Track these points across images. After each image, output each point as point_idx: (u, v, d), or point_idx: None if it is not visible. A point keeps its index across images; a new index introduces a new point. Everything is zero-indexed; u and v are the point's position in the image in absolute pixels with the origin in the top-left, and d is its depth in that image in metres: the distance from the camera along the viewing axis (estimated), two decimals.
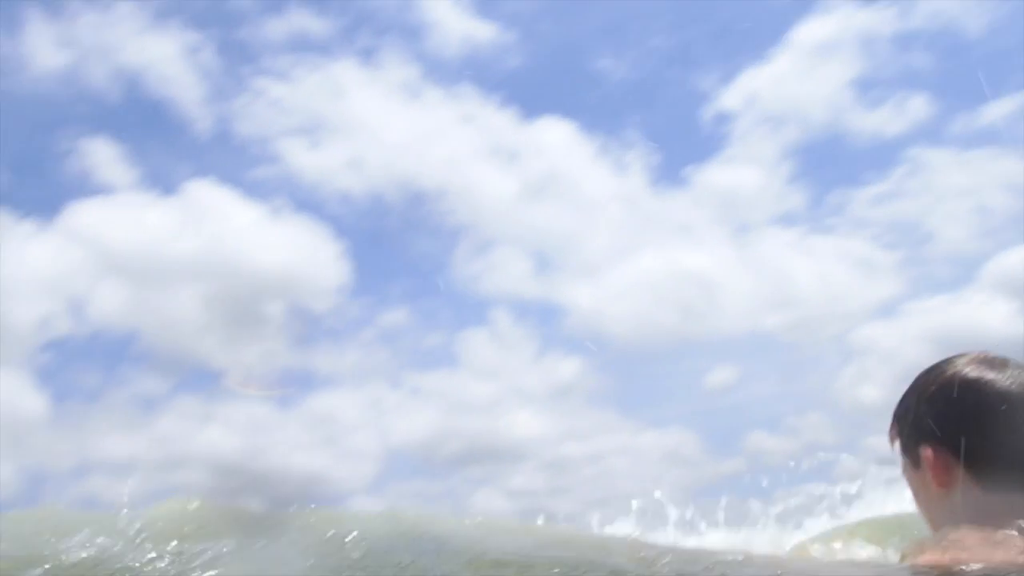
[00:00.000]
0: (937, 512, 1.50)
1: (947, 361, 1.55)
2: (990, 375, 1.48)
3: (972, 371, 1.49)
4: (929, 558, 1.38)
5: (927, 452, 1.49)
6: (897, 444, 1.60)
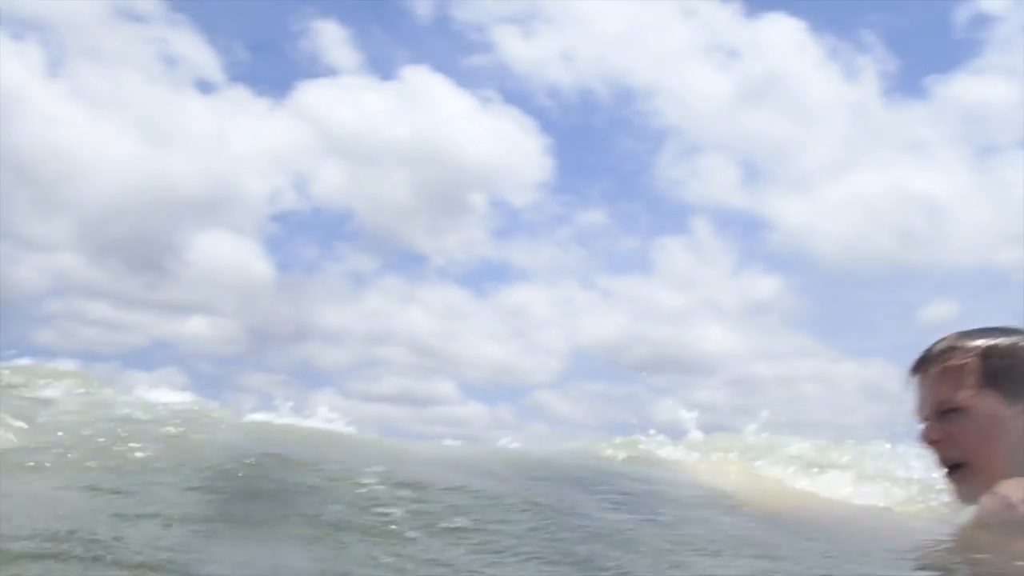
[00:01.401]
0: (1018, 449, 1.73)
1: None
2: None
3: None
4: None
5: None
6: (973, 383, 1.79)
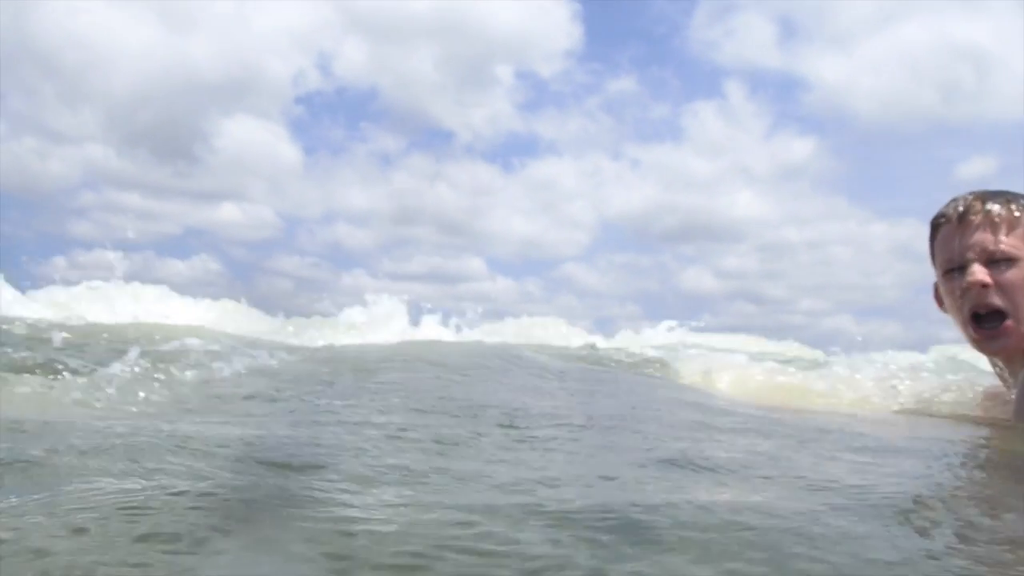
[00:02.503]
0: None
1: None
2: None
3: None
4: None
5: None
6: (1021, 235, 1.85)
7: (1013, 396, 1.82)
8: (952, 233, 1.92)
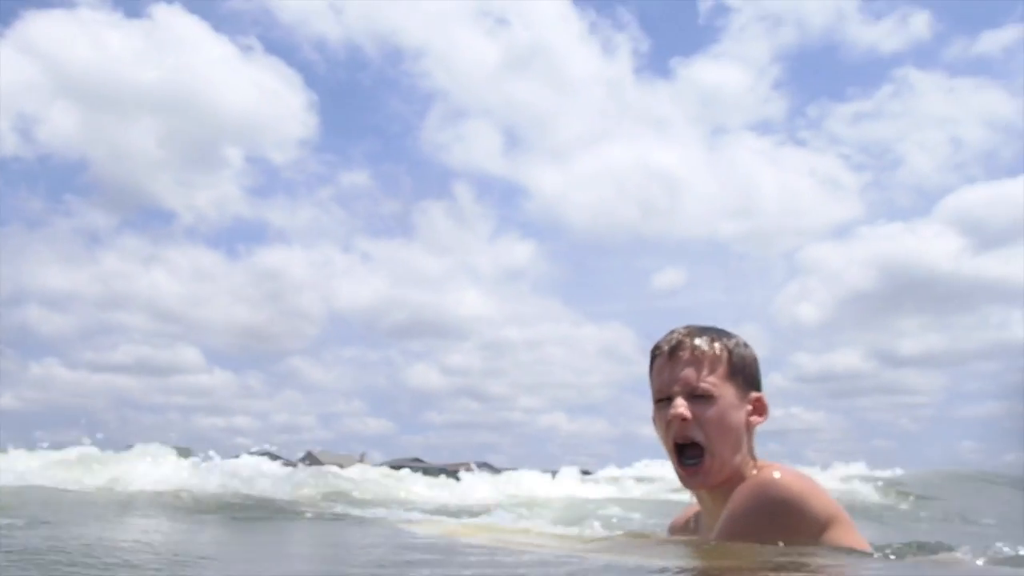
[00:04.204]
0: (744, 439, 2.00)
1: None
2: None
3: None
4: (792, 477, 1.87)
5: (762, 397, 2.04)
6: (721, 374, 2.00)
7: (718, 523, 1.90)
8: (663, 365, 2.04)
